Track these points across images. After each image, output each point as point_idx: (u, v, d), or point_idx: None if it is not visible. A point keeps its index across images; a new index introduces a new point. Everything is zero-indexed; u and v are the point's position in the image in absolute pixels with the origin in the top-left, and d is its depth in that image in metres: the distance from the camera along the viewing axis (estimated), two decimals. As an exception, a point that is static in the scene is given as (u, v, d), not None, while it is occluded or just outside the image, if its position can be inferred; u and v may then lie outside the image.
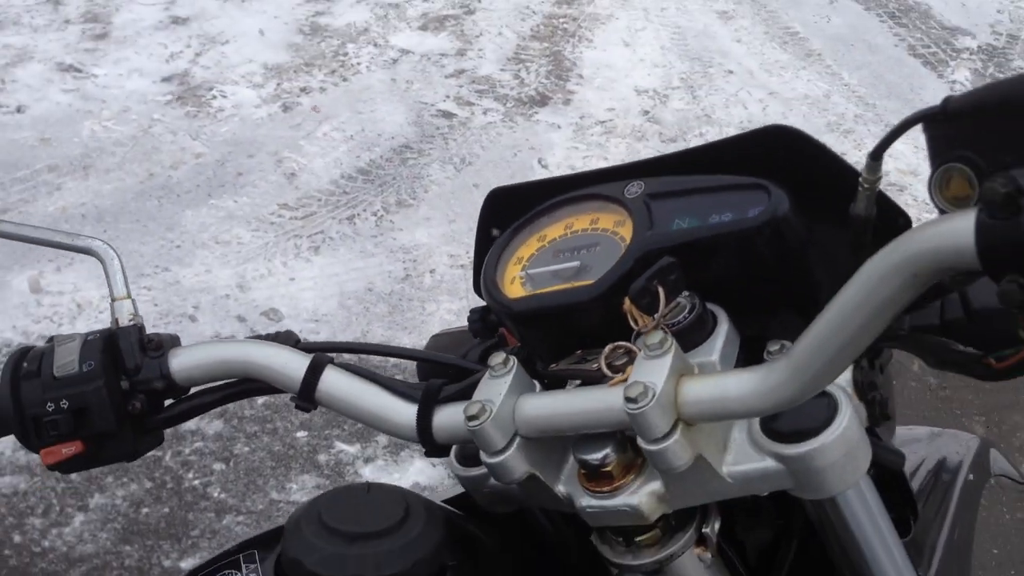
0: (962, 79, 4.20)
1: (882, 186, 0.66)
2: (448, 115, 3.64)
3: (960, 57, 4.37)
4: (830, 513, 0.72)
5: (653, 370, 0.61)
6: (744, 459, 0.64)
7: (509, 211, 0.81)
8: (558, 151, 3.49)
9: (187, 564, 2.07)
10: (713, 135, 3.59)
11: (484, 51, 4.05)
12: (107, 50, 3.86)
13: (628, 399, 0.60)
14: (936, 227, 0.49)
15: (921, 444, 1.21)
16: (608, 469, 0.65)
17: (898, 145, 0.63)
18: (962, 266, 0.48)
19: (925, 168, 0.61)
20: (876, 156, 0.61)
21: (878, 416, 0.71)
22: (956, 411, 2.74)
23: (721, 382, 0.61)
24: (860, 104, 3.98)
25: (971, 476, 1.13)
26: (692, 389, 0.61)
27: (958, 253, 0.48)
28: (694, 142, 3.55)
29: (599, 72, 3.99)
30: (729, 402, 0.60)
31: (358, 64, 3.89)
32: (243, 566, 0.70)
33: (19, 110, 3.47)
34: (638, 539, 0.69)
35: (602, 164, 3.36)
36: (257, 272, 2.86)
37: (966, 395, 2.80)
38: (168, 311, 2.75)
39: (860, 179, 0.63)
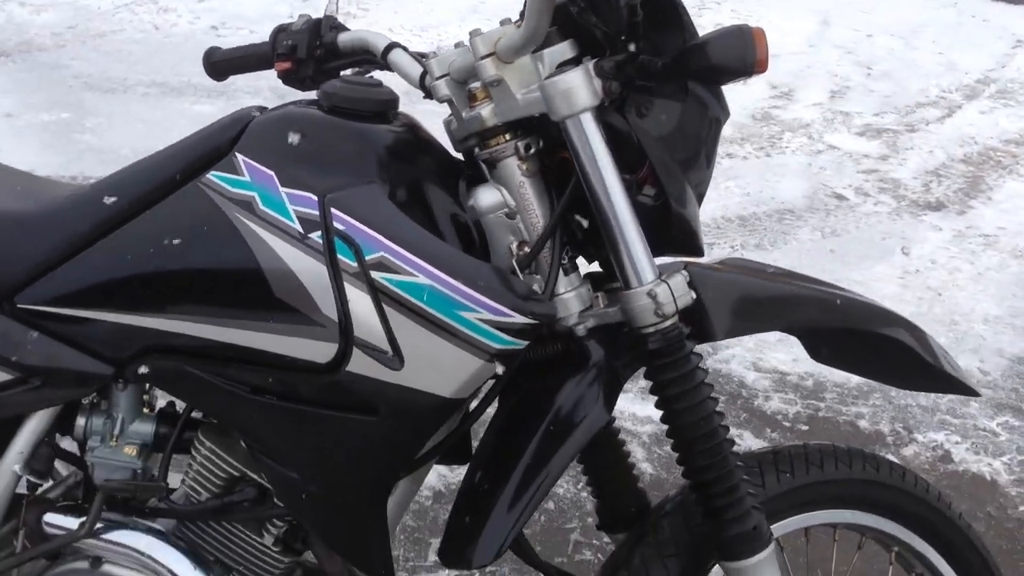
0: None
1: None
2: (841, 198, 4.09)
3: None
4: (568, 135, 1.16)
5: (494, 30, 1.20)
6: (529, 93, 1.19)
7: None
8: (927, 246, 3.77)
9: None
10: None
11: (906, 161, 4.41)
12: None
13: (471, 34, 1.20)
14: None
15: None
16: (474, 93, 1.24)
17: None
18: None
19: None
20: None
21: (619, 100, 1.19)
22: None
23: (511, 36, 1.15)
24: None
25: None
26: (502, 40, 1.17)
27: None
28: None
29: (1011, 199, 4.14)
30: (506, 44, 1.15)
31: (785, 148, 4.49)
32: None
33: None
34: (486, 140, 1.25)
35: (967, 268, 3.58)
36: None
37: None
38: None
39: None
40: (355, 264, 1.14)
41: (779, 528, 1.39)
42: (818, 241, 3.78)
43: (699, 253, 1.32)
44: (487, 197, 1.26)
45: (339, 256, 1.14)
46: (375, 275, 1.13)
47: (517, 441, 1.22)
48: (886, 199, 4.11)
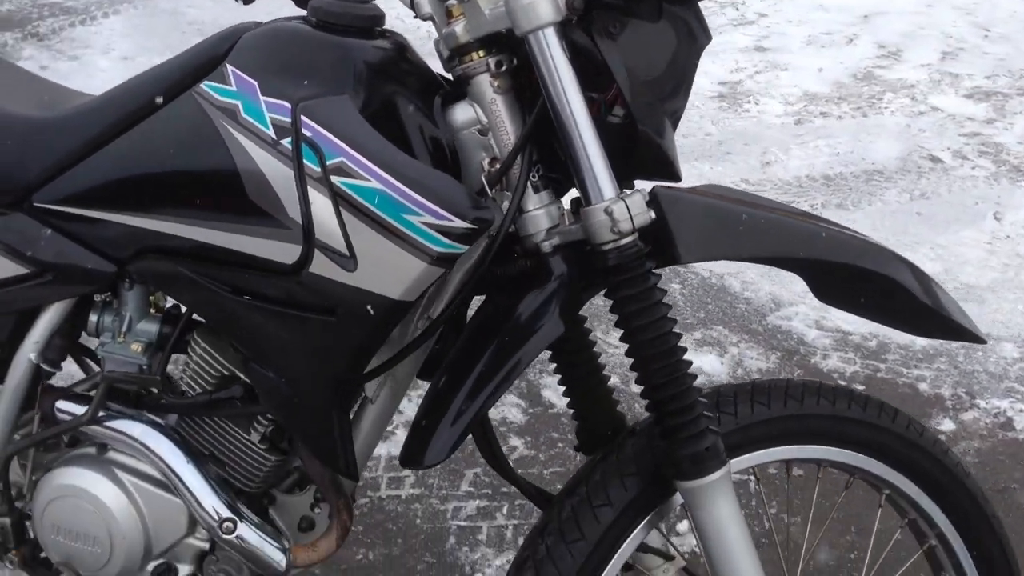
0: None
1: None
2: (936, 160, 3.93)
3: None
4: (531, 50, 1.19)
5: None
6: (496, 8, 1.21)
7: None
8: (1023, 213, 3.59)
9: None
10: None
11: (1013, 125, 4.20)
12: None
13: None
14: None
15: None
16: (450, 9, 1.26)
17: None
18: None
19: None
20: None
21: (584, 15, 1.20)
22: None
23: None
24: None
25: None
26: None
27: None
28: None
29: (1125, 168, 3.90)
30: None
31: (885, 108, 4.33)
32: None
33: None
34: (461, 57, 1.27)
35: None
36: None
37: None
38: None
39: None
40: (318, 169, 1.19)
41: (753, 459, 1.39)
42: (905, 203, 3.66)
43: (676, 178, 1.33)
44: (461, 114, 1.29)
45: (305, 161, 1.19)
46: (335, 179, 1.18)
47: (475, 351, 1.26)
48: (985, 163, 3.93)
